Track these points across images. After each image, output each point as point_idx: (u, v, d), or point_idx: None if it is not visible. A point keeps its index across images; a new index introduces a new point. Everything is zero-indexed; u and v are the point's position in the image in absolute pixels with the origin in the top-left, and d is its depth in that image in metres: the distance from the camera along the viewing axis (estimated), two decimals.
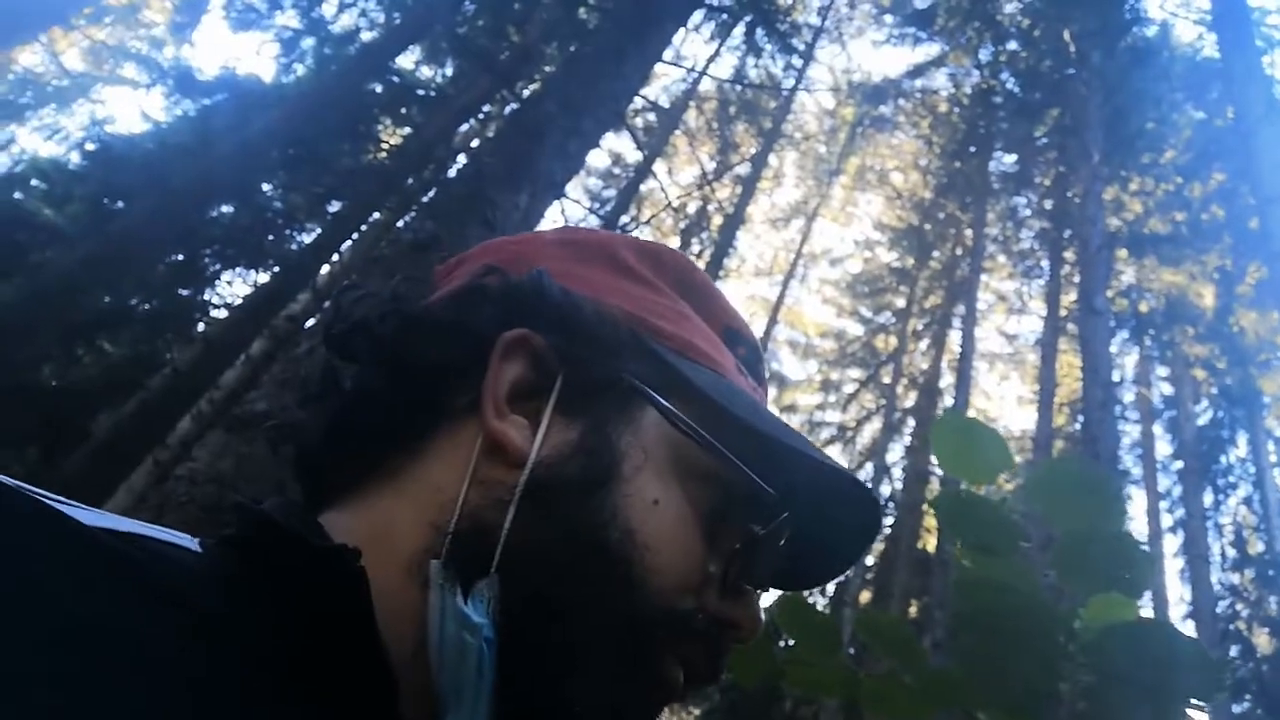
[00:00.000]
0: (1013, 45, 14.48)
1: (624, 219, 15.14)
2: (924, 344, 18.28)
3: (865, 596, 17.07)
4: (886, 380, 18.34)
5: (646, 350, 0.56)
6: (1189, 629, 17.43)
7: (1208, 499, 19.48)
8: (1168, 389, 19.83)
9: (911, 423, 17.60)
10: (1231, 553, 19.85)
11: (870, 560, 17.60)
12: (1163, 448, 20.26)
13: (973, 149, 16.47)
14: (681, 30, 11.56)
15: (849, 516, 0.59)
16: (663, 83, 14.50)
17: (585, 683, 0.49)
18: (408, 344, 0.55)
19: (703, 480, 0.54)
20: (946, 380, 17.43)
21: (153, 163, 8.49)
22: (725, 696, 13.52)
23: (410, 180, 11.16)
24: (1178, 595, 18.72)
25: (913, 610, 14.81)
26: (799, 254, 17.47)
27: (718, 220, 14.09)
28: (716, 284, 0.66)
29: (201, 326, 10.38)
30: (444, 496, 0.52)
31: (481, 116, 12.21)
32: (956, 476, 1.16)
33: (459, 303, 0.58)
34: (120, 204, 8.32)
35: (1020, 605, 1.06)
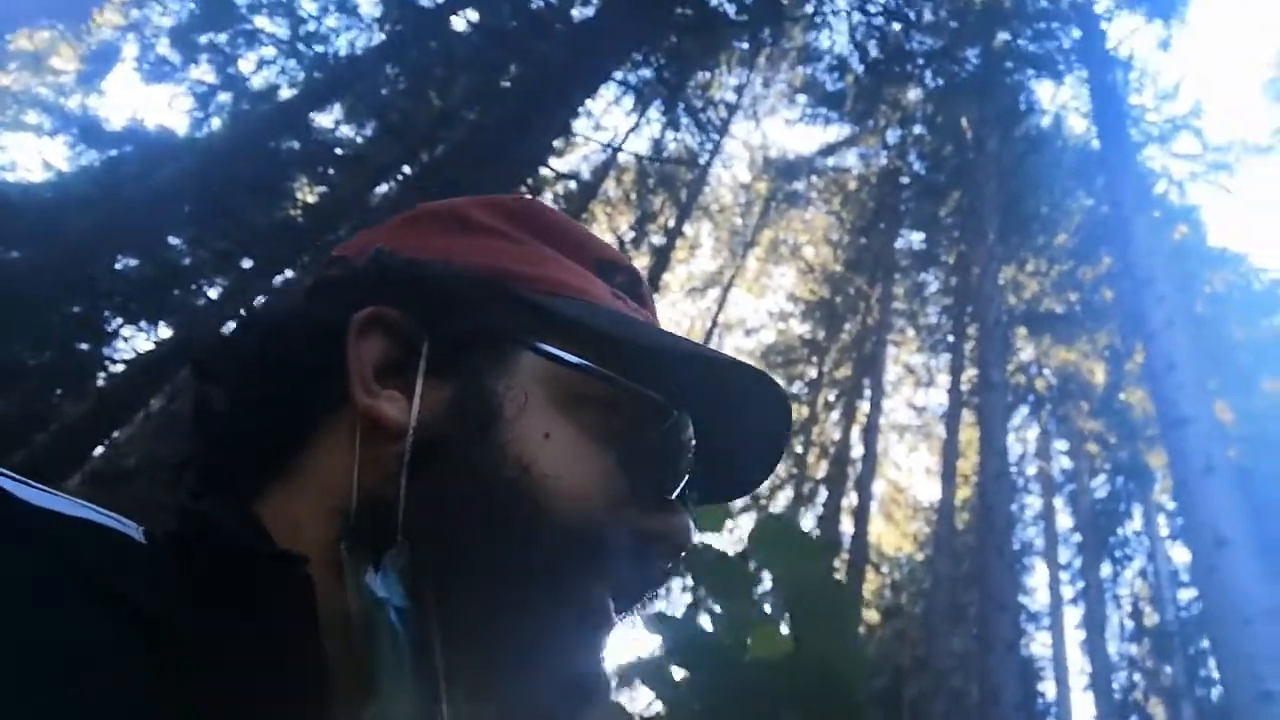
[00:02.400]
0: (918, 129, 15.18)
1: None
2: (835, 415, 18.64)
3: None
4: (798, 450, 18.60)
5: (509, 296, 0.57)
6: (1088, 700, 17.81)
7: (1106, 570, 20.10)
8: (1067, 462, 20.56)
9: (823, 493, 17.84)
10: (1130, 624, 20.47)
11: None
12: (1064, 520, 20.93)
13: (882, 226, 17.10)
14: (601, 101, 11.82)
15: (757, 409, 0.59)
16: (582, 152, 14.76)
17: (515, 621, 0.49)
18: (266, 351, 0.56)
19: (593, 405, 0.55)
20: (857, 450, 17.78)
21: (50, 213, 8.26)
22: None
23: (328, 237, 11.09)
24: (1079, 666, 19.10)
25: None
26: (714, 323, 17.76)
27: None
28: (581, 224, 0.67)
29: (101, 381, 10.03)
30: (339, 483, 0.52)
31: (400, 178, 12.24)
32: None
33: (308, 300, 0.59)
34: (13, 254, 8.05)
35: (709, 643, 1.13)
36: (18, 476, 0.43)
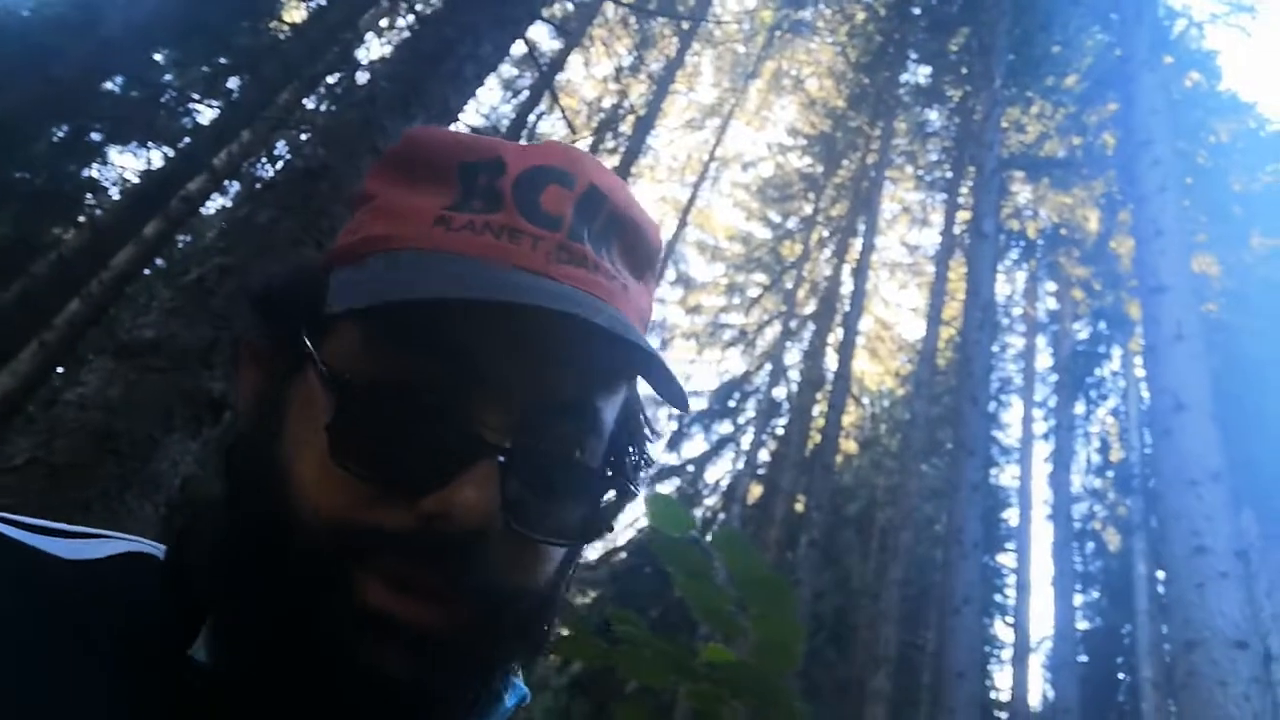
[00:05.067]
0: None
1: (539, 109, 14.91)
2: (827, 252, 18.72)
3: (756, 491, 17.90)
4: (789, 286, 18.80)
5: (317, 288, 0.55)
6: (1049, 529, 18.85)
7: (1079, 409, 20.76)
8: (1053, 304, 20.85)
9: (810, 328, 18.18)
10: (1096, 459, 21.38)
11: (763, 457, 18.39)
12: (1044, 360, 21.45)
13: (888, 58, 16.58)
14: None
15: (556, 346, 0.51)
16: None
17: (291, 642, 0.48)
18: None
19: (349, 395, 0.50)
20: (847, 288, 17.99)
21: (30, 30, 8.00)
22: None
23: (317, 68, 10.77)
24: (1043, 498, 20.09)
25: (798, 507, 15.63)
26: (712, 156, 17.51)
27: (631, 120, 13.99)
28: (455, 131, 0.62)
29: (90, 202, 10.00)
30: None
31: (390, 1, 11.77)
32: (664, 530, 1.44)
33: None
34: None
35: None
36: (46, 527, 0.53)
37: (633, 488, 0.58)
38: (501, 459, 0.49)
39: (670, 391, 0.55)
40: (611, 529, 0.58)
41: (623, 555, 17.68)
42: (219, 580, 0.50)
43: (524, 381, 0.51)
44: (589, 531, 0.56)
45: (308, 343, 0.52)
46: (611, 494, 0.57)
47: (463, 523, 0.48)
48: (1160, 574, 16.07)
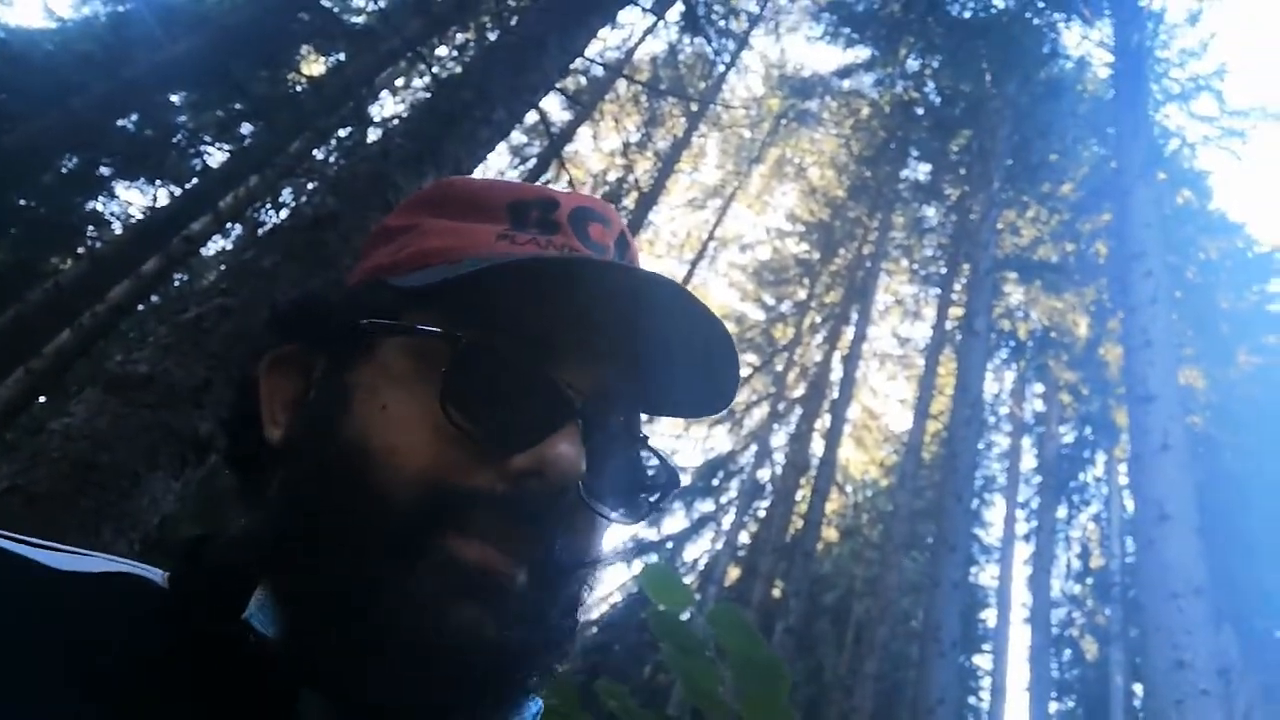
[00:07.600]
0: (938, 61, 14.90)
1: (545, 177, 15.13)
2: (819, 337, 18.85)
3: (734, 573, 17.69)
4: (779, 368, 18.88)
5: (374, 290, 0.59)
6: (1026, 632, 18.63)
7: (1061, 512, 20.70)
8: (1040, 405, 20.96)
9: (798, 411, 18.20)
10: (1076, 564, 21.24)
11: (743, 539, 18.22)
12: (1029, 461, 21.47)
13: (889, 155, 16.96)
14: None
15: (631, 306, 0.54)
16: (595, 48, 14.45)
17: (370, 610, 0.48)
18: (230, 411, 0.64)
19: (426, 361, 0.53)
20: (837, 374, 18.07)
21: (53, 65, 8.13)
22: None
23: (331, 119, 10.94)
24: (1022, 600, 19.89)
25: (776, 593, 15.44)
26: (711, 236, 17.75)
27: (635, 195, 14.21)
28: (494, 179, 0.67)
29: (92, 234, 10.04)
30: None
31: (409, 56, 12.01)
32: (661, 604, 1.43)
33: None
34: (13, 103, 7.94)
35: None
36: (45, 543, 0.53)
37: (675, 477, 0.60)
38: (581, 422, 0.53)
39: (721, 383, 0.59)
40: (660, 509, 0.61)
41: (593, 630, 17.36)
42: (289, 556, 0.51)
43: (598, 353, 0.55)
44: (637, 510, 0.59)
45: (385, 324, 0.55)
46: (652, 481, 0.60)
47: (555, 478, 0.51)
48: (1138, 687, 15.86)
